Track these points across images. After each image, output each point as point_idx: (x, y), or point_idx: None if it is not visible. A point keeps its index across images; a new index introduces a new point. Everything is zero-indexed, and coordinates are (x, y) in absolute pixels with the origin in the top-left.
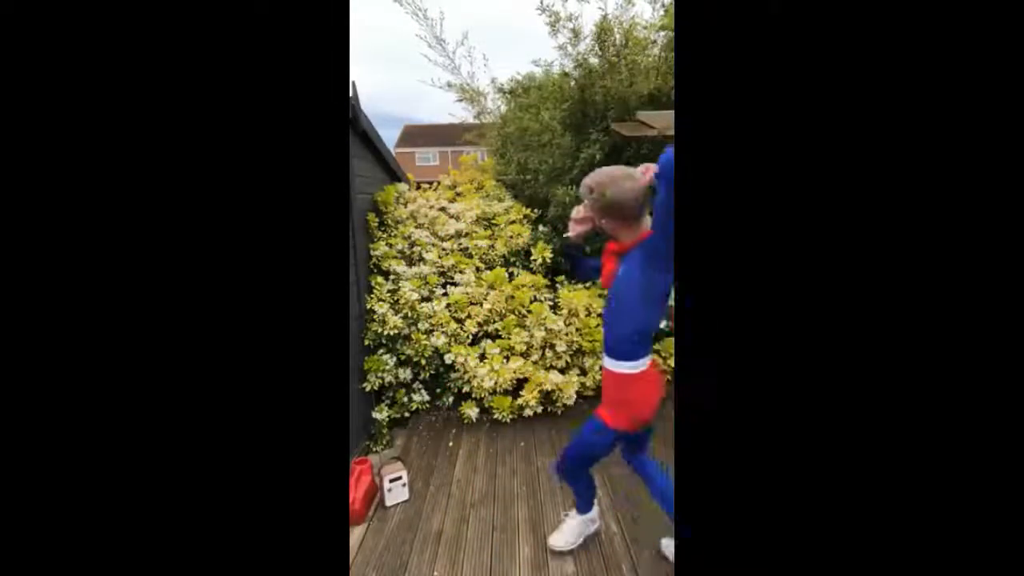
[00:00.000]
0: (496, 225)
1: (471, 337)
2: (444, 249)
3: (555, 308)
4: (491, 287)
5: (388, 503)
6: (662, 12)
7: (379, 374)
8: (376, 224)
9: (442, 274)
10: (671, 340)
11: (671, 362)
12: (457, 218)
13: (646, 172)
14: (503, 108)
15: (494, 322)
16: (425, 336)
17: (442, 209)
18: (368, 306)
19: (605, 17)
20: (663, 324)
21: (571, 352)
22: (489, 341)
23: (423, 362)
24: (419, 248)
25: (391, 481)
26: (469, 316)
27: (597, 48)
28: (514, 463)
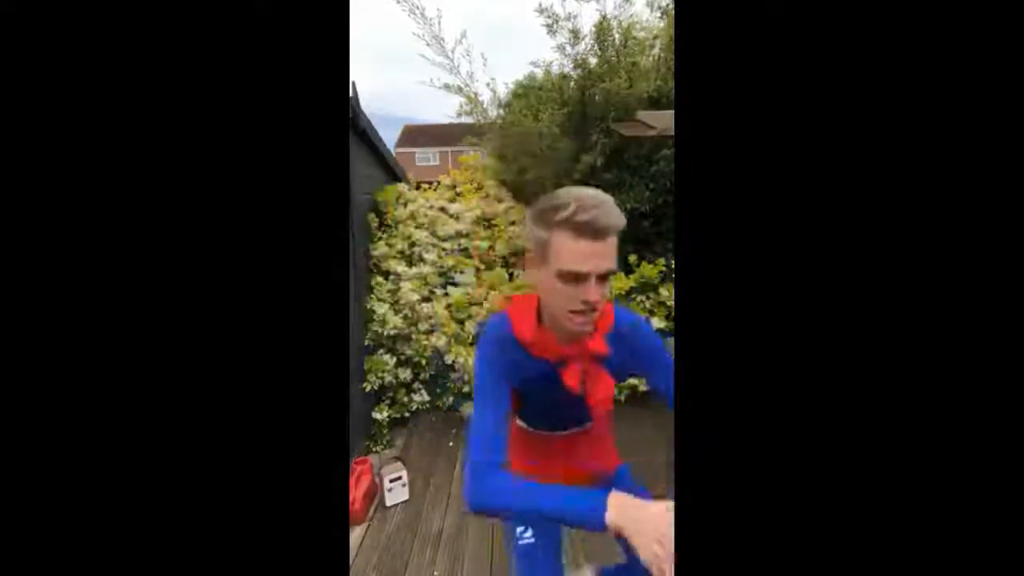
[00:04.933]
0: (496, 226)
1: (472, 337)
2: (444, 249)
3: None
4: (491, 288)
5: (388, 503)
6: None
7: (379, 374)
8: (376, 224)
9: (442, 274)
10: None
11: None
12: (457, 218)
13: None
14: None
15: None
16: (425, 336)
17: (442, 209)
18: (368, 306)
19: (604, 17)
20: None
21: None
22: None
23: (423, 362)
24: (419, 248)
25: (391, 481)
26: (470, 316)
27: (596, 48)
28: None
